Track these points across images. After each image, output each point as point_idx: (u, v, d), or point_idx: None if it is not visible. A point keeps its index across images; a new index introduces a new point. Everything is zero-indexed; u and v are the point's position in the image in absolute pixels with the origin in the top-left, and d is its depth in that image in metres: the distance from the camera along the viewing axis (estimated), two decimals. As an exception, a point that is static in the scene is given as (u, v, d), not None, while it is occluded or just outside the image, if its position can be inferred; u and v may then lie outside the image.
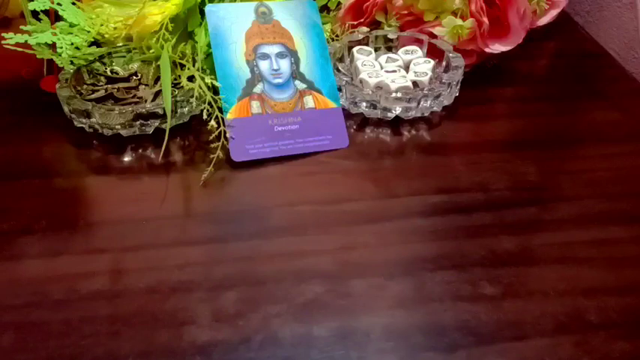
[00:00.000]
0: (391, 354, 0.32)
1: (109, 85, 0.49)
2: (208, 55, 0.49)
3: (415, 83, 0.50)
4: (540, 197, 0.43)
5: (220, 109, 0.45)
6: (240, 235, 0.39)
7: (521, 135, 0.50)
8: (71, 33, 0.48)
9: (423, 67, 0.52)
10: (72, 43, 0.48)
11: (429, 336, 0.33)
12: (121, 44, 0.52)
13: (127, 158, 0.46)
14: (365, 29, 0.56)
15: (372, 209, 0.42)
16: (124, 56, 0.51)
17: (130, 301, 0.35)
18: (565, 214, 0.41)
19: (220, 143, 0.44)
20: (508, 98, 0.55)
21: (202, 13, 0.50)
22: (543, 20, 0.61)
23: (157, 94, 0.49)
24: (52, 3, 0.47)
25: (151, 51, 0.50)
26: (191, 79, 0.47)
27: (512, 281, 0.36)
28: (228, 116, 0.46)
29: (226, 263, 0.37)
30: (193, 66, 0.47)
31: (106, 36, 0.51)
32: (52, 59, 0.48)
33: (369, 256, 0.38)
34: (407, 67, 0.53)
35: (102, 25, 0.50)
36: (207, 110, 0.44)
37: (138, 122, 0.46)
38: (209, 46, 0.48)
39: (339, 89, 0.49)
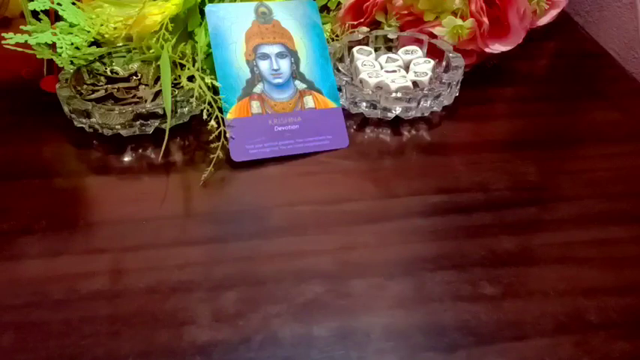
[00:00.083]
0: (391, 354, 0.32)
1: (109, 85, 0.49)
2: (208, 55, 0.49)
3: (415, 83, 0.50)
4: (540, 197, 0.43)
5: (220, 109, 0.45)
6: (240, 235, 0.39)
7: (521, 135, 0.50)
8: (71, 33, 0.48)
9: (423, 67, 0.52)
10: (72, 43, 0.48)
11: (429, 336, 0.33)
12: (121, 44, 0.52)
13: (127, 158, 0.46)
14: (365, 29, 0.56)
15: (372, 209, 0.42)
16: (124, 56, 0.51)
17: (130, 301, 0.35)
18: (565, 214, 0.41)
19: (220, 143, 0.44)
20: (508, 98, 0.55)
21: (202, 13, 0.50)
22: (543, 20, 0.61)
23: (157, 94, 0.49)
24: (52, 3, 0.47)
25: (151, 51, 0.50)
26: (191, 79, 0.47)
27: (512, 281, 0.36)
28: (228, 116, 0.46)
29: (226, 263, 0.37)
30: (193, 66, 0.47)
31: (106, 36, 0.51)
32: (52, 59, 0.48)
33: (369, 256, 0.38)
34: (407, 67, 0.53)
35: (102, 25, 0.50)
36: (207, 110, 0.44)
37: (138, 122, 0.46)
38: (209, 46, 0.48)
39: (339, 89, 0.49)
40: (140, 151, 0.46)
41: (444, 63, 0.52)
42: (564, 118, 0.52)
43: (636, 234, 0.40)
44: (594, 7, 0.68)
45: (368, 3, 0.56)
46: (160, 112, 0.46)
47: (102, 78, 0.50)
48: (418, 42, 0.54)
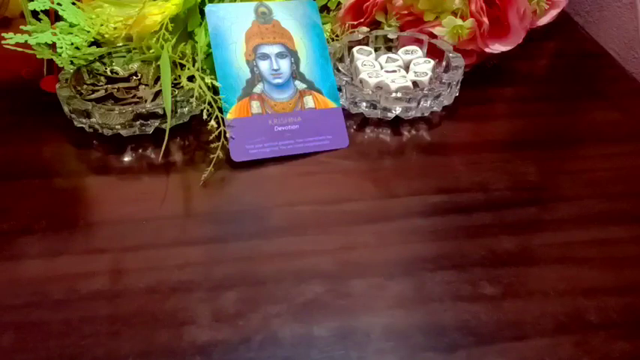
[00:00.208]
0: (391, 354, 0.32)
1: (109, 85, 0.49)
2: (208, 55, 0.49)
3: (415, 83, 0.50)
4: (540, 197, 0.43)
5: (220, 109, 0.45)
6: (240, 235, 0.39)
7: (521, 135, 0.50)
8: (71, 33, 0.48)
9: (423, 67, 0.52)
10: (72, 43, 0.48)
11: (429, 336, 0.33)
12: (121, 44, 0.52)
13: (127, 158, 0.46)
14: (365, 29, 0.56)
15: (372, 209, 0.42)
16: (124, 56, 0.51)
17: (130, 301, 0.35)
18: (565, 214, 0.41)
19: (220, 143, 0.44)
20: (508, 98, 0.55)
21: (202, 13, 0.50)
22: (543, 20, 0.61)
23: (157, 94, 0.49)
24: (52, 3, 0.47)
25: (151, 51, 0.50)
26: (191, 79, 0.47)
27: (512, 281, 0.36)
28: (228, 116, 0.46)
29: (226, 263, 0.37)
30: (193, 66, 0.47)
31: (106, 36, 0.51)
32: (52, 59, 0.48)
33: (369, 256, 0.38)
34: (407, 67, 0.53)
35: (102, 25, 0.50)
36: (207, 110, 0.44)
37: (138, 122, 0.46)
38: (209, 46, 0.48)
39: (339, 89, 0.49)
40: (140, 151, 0.46)
41: (444, 63, 0.52)
42: (564, 118, 0.52)
43: (636, 234, 0.40)
44: (594, 7, 0.68)
45: (368, 3, 0.56)
46: (160, 112, 0.46)
47: (102, 78, 0.50)
48: (418, 42, 0.54)
